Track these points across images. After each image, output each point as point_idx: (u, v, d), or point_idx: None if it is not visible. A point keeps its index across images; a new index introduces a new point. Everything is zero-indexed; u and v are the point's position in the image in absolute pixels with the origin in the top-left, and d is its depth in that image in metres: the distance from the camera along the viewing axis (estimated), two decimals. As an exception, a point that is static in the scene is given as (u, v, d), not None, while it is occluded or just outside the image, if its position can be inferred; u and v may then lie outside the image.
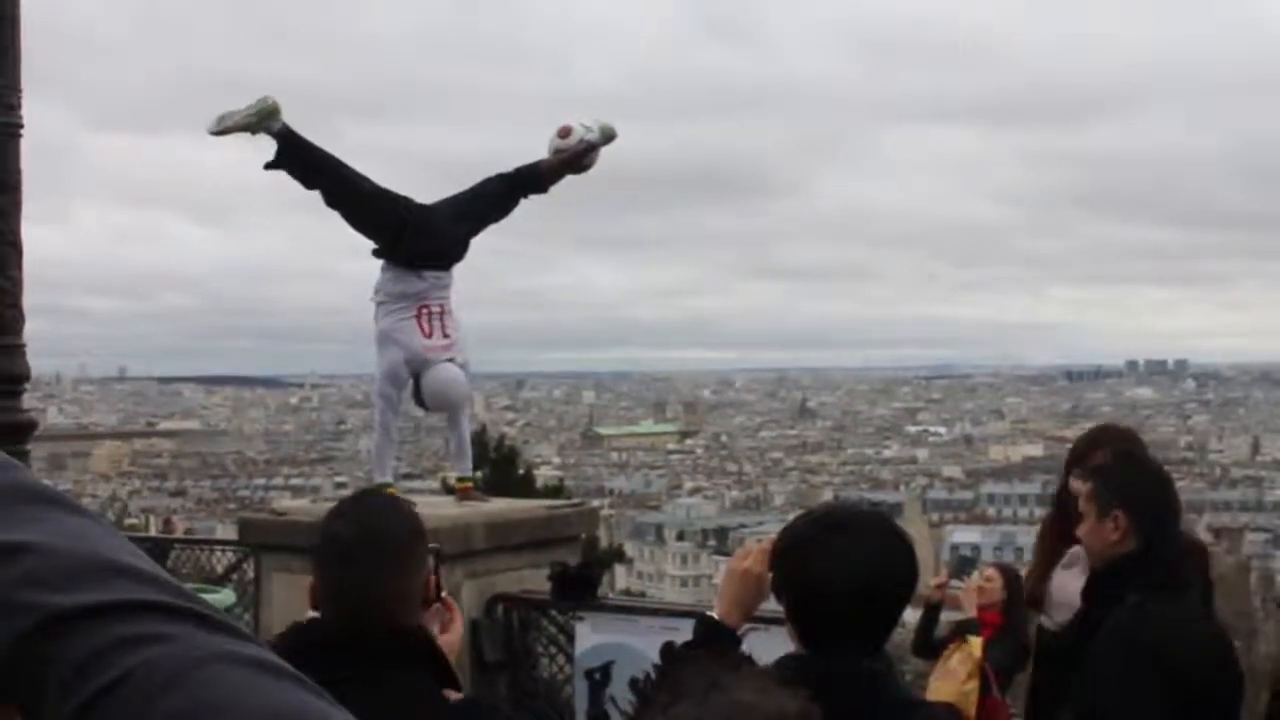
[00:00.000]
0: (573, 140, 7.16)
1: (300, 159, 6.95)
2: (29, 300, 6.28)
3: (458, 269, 7.27)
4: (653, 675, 3.21)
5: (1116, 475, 4.13)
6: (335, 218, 7.08)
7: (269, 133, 6.81)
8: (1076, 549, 4.58)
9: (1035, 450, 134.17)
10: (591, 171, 7.36)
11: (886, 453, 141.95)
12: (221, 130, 6.81)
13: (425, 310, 7.01)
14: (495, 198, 7.27)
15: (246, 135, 6.80)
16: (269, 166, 6.91)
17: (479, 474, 17.85)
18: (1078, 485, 4.52)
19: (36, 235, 6.30)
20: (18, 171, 6.15)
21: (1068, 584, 4.55)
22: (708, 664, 1.39)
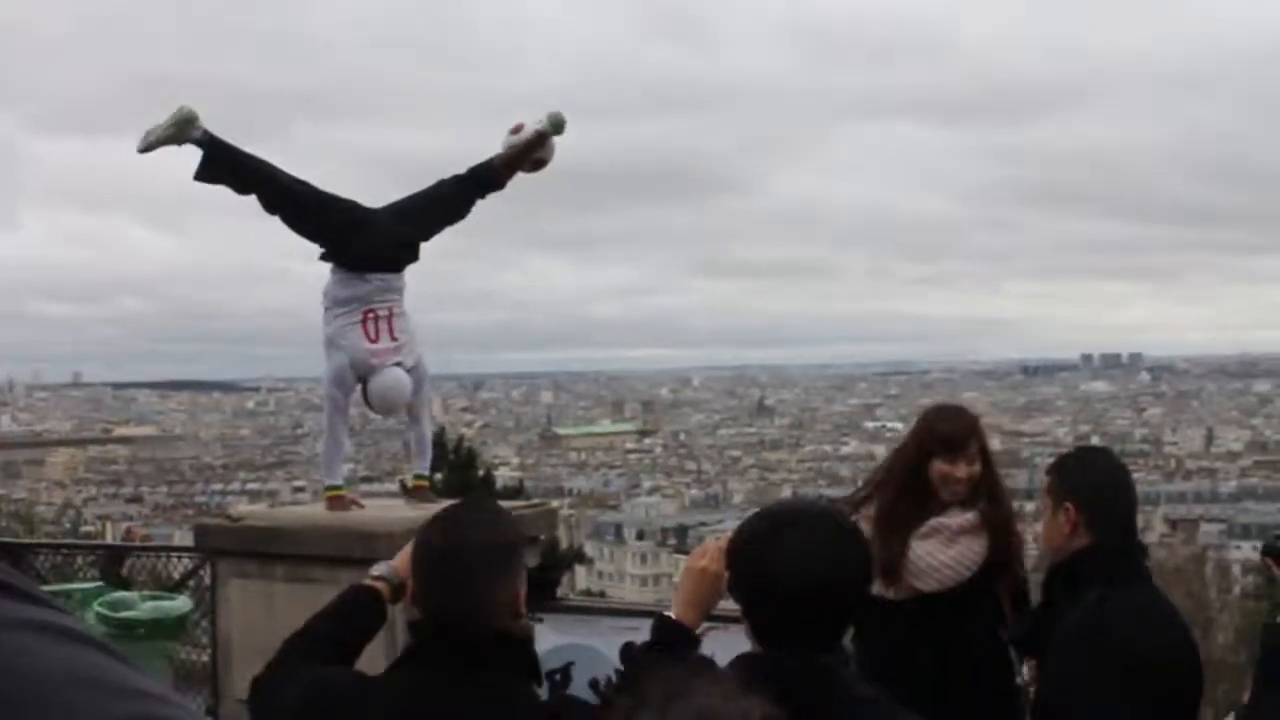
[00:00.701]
0: (525, 134, 7.15)
1: (227, 166, 6.91)
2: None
3: (412, 271, 7.24)
4: (614, 679, 3.23)
5: (1069, 469, 4.16)
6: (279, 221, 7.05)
7: (191, 141, 6.76)
8: (933, 521, 4.74)
9: (993, 444, 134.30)
10: (543, 170, 7.34)
11: (845, 449, 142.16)
12: (146, 148, 6.77)
13: (371, 314, 6.97)
14: (448, 199, 7.24)
15: (174, 148, 6.76)
16: (197, 177, 6.87)
17: (437, 476, 17.81)
18: (944, 468, 4.77)
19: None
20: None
21: (932, 552, 4.70)
22: (670, 669, 1.38)
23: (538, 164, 7.27)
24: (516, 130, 7.17)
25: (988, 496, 4.85)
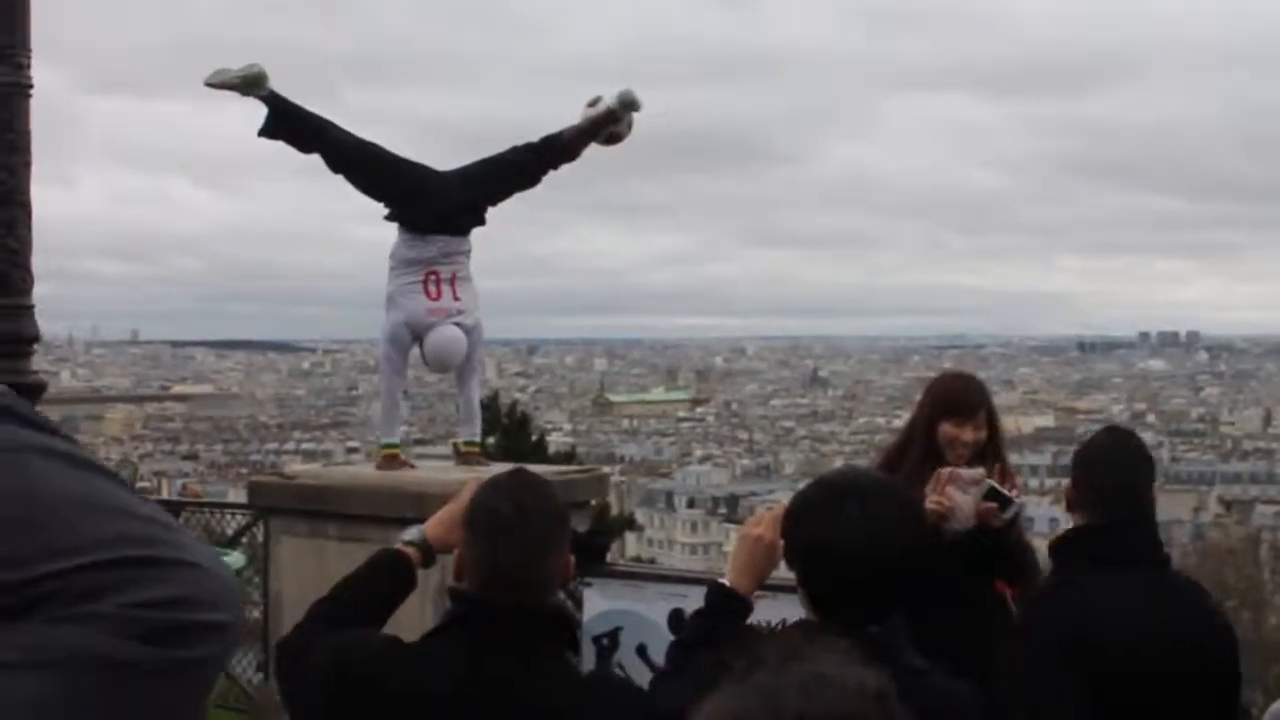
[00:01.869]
0: (598, 109, 7.14)
1: (290, 124, 6.97)
2: (38, 263, 6.26)
3: (475, 235, 7.25)
4: (686, 633, 3.22)
5: (1082, 447, 4.11)
6: (340, 182, 7.08)
7: (255, 97, 6.84)
8: (944, 470, 4.79)
9: (1047, 421, 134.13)
10: (618, 144, 7.30)
11: (898, 422, 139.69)
12: (212, 83, 6.86)
13: (433, 275, 7.00)
14: (517, 165, 7.23)
15: (237, 95, 6.85)
16: (262, 133, 6.94)
17: (489, 440, 17.86)
18: (952, 431, 4.91)
19: (39, 197, 6.28)
20: (27, 132, 6.14)
21: (952, 495, 4.72)
22: (788, 635, 1.36)
23: (612, 138, 7.25)
24: (593, 104, 7.16)
25: (993, 461, 5.03)
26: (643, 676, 4.20)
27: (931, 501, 4.70)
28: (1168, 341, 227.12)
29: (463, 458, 7.28)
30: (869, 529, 2.74)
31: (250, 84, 6.80)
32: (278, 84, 6.90)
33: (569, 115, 7.28)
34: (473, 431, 7.39)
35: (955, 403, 5.03)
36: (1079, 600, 3.73)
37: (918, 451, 5.03)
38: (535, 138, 7.25)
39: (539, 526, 2.90)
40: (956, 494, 4.78)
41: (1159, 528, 4.04)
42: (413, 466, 7.29)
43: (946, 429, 4.96)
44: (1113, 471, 3.92)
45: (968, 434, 4.95)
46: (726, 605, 3.20)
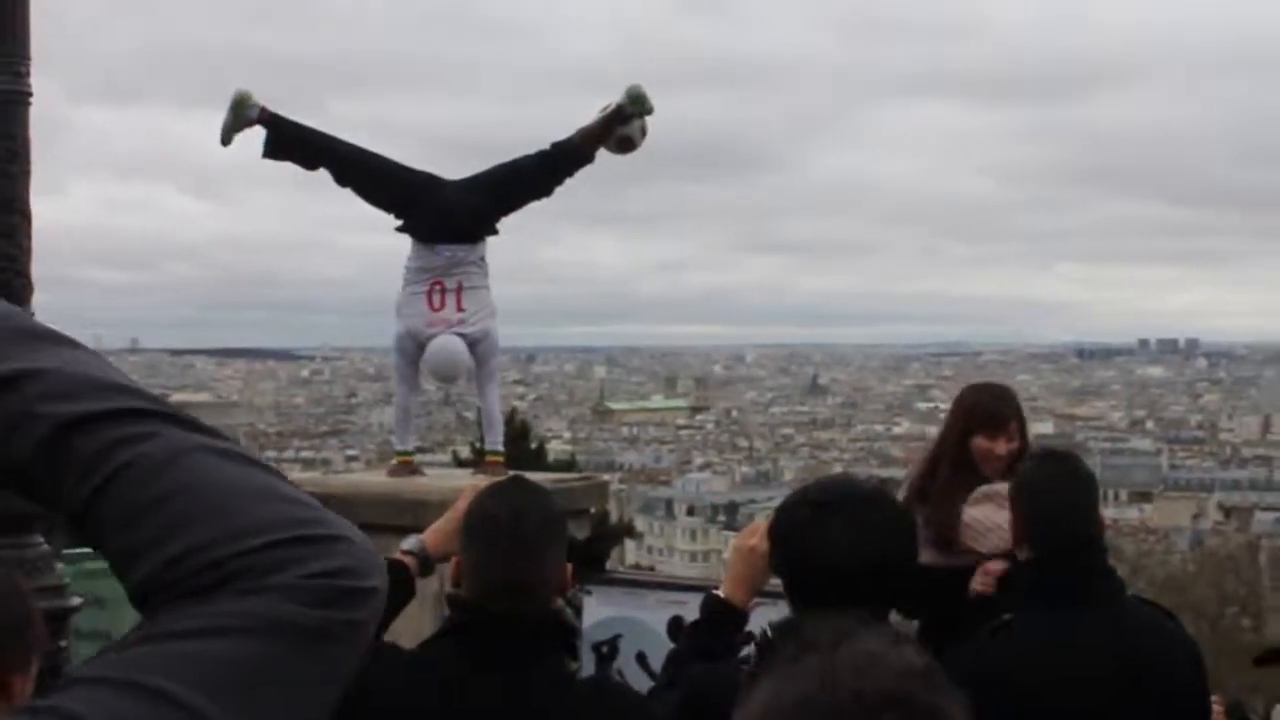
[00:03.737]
0: (609, 109, 7.04)
1: (291, 142, 6.99)
2: (36, 271, 6.25)
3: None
4: (665, 655, 3.21)
5: (1017, 477, 3.94)
6: (337, 191, 7.09)
7: (250, 119, 6.85)
8: (984, 488, 4.77)
9: (1046, 428, 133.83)
10: (631, 151, 7.21)
11: (897, 430, 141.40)
12: (223, 141, 6.94)
13: (438, 286, 6.98)
14: (527, 172, 7.15)
15: (246, 130, 6.88)
16: (265, 155, 6.96)
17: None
18: (985, 445, 4.83)
19: (34, 205, 6.26)
20: (26, 140, 6.13)
21: (989, 515, 4.69)
22: (835, 619, 1.39)
23: (623, 142, 7.11)
24: (605, 109, 7.07)
25: None
26: (642, 684, 4.20)
27: (978, 584, 4.62)
28: (1167, 348, 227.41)
29: (485, 467, 7.17)
30: (852, 538, 2.74)
31: (239, 109, 6.82)
32: (263, 94, 6.91)
33: (560, 121, 7.19)
34: (495, 440, 7.33)
35: (987, 416, 4.95)
36: (993, 644, 3.58)
37: (949, 465, 4.96)
38: (541, 146, 7.19)
39: (536, 533, 2.90)
40: (995, 511, 4.72)
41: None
42: (423, 474, 7.30)
43: (980, 443, 4.89)
44: (1048, 503, 3.70)
45: (1001, 447, 4.87)
46: (722, 616, 3.20)
